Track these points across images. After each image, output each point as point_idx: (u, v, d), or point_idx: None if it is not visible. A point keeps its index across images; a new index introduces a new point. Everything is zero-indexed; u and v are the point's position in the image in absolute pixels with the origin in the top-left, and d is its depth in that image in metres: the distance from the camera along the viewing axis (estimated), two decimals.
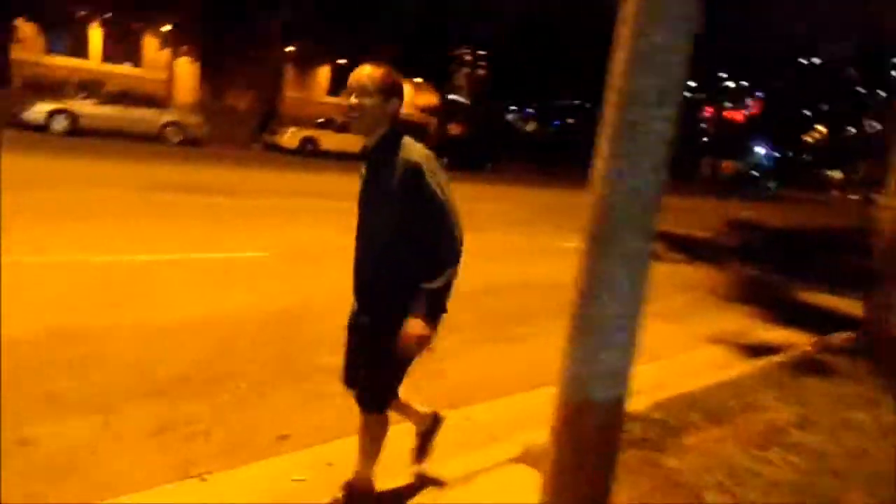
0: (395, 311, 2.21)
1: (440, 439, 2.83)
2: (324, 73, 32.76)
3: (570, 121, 39.90)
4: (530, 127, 42.43)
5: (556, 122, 41.51)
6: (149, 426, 3.09)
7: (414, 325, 2.17)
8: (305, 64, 30.21)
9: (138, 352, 3.94)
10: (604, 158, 1.99)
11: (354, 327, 2.42)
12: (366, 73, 2.22)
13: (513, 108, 41.33)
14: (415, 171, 2.14)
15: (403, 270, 2.22)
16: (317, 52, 28.72)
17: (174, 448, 2.96)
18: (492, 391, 3.96)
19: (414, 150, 2.21)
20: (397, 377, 2.37)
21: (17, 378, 3.38)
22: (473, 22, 29.36)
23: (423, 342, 2.19)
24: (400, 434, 2.67)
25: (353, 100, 2.21)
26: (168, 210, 8.60)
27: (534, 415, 3.49)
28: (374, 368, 2.33)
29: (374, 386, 2.36)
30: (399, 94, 2.27)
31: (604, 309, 1.97)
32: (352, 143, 22.49)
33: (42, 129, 16.15)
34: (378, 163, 2.26)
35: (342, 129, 22.62)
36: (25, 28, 23.21)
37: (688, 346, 5.32)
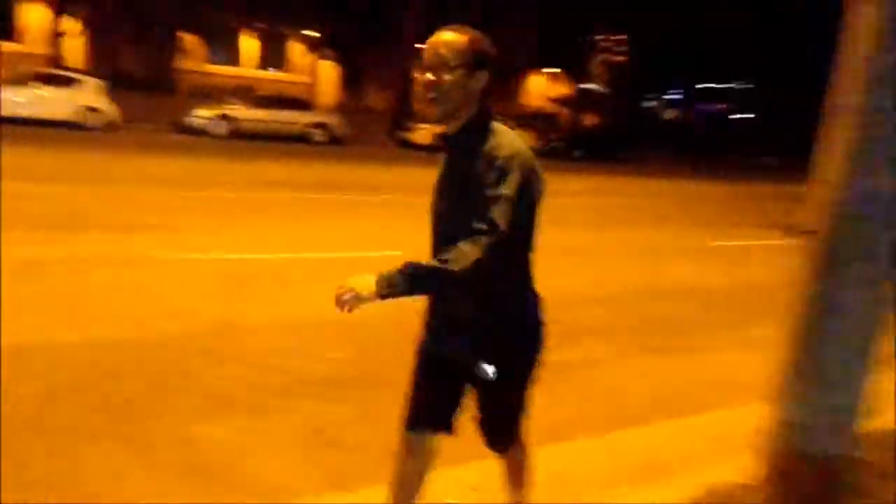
0: (496, 332, 1.77)
1: (603, 465, 2.54)
2: None
3: (720, 106, 37.24)
4: (670, 114, 40.14)
5: (700, 109, 38.94)
6: (299, 429, 3.08)
7: (361, 281, 1.68)
8: None
9: (286, 350, 4.00)
10: (835, 162, 1.59)
11: (438, 359, 1.93)
12: (444, 40, 1.71)
13: (654, 95, 39.31)
14: (500, 165, 1.64)
15: (491, 286, 1.72)
16: None
17: (323, 455, 2.91)
18: (652, 411, 3.58)
19: (506, 140, 1.70)
20: (526, 402, 1.97)
21: (176, 374, 3.54)
22: (612, 5, 28.14)
23: (351, 302, 1.69)
24: (554, 455, 2.42)
25: (428, 75, 1.70)
26: (312, 207, 8.95)
27: (707, 444, 3.09)
28: (504, 405, 1.94)
29: (510, 421, 2.00)
30: (488, 66, 1.73)
31: (832, 345, 1.58)
32: None
33: (203, 132, 17.61)
34: (458, 155, 1.76)
35: None
36: (189, 40, 25.59)
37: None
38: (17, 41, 23.39)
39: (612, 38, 34.18)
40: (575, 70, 32.93)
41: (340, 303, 1.71)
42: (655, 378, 4.14)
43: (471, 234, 1.61)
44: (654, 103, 40.03)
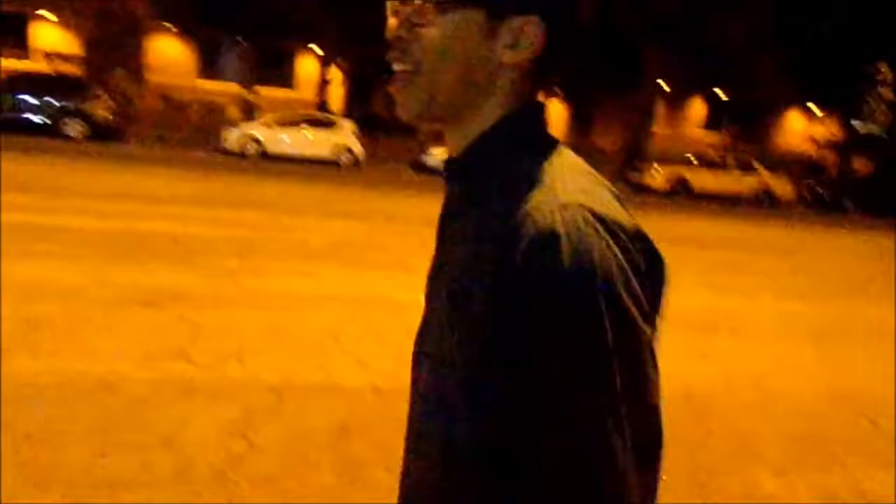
0: None
1: None
2: (697, 106, 30.89)
3: None
4: None
5: None
6: None
7: None
8: (677, 97, 28.93)
9: None
10: None
11: None
12: None
13: None
14: (540, 252, 0.64)
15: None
16: (691, 84, 27.22)
17: None
18: None
19: (569, 187, 0.69)
20: None
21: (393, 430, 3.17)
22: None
23: None
24: None
25: (394, 23, 0.77)
26: None
27: None
28: None
29: None
30: (541, 9, 0.73)
31: None
32: (727, 183, 20.14)
33: (435, 171, 18.38)
34: (460, 203, 0.81)
35: (714, 165, 20.59)
36: None
37: None
38: (292, 88, 27.24)
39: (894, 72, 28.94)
40: (847, 108, 28.43)
41: None
42: None
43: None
44: None
